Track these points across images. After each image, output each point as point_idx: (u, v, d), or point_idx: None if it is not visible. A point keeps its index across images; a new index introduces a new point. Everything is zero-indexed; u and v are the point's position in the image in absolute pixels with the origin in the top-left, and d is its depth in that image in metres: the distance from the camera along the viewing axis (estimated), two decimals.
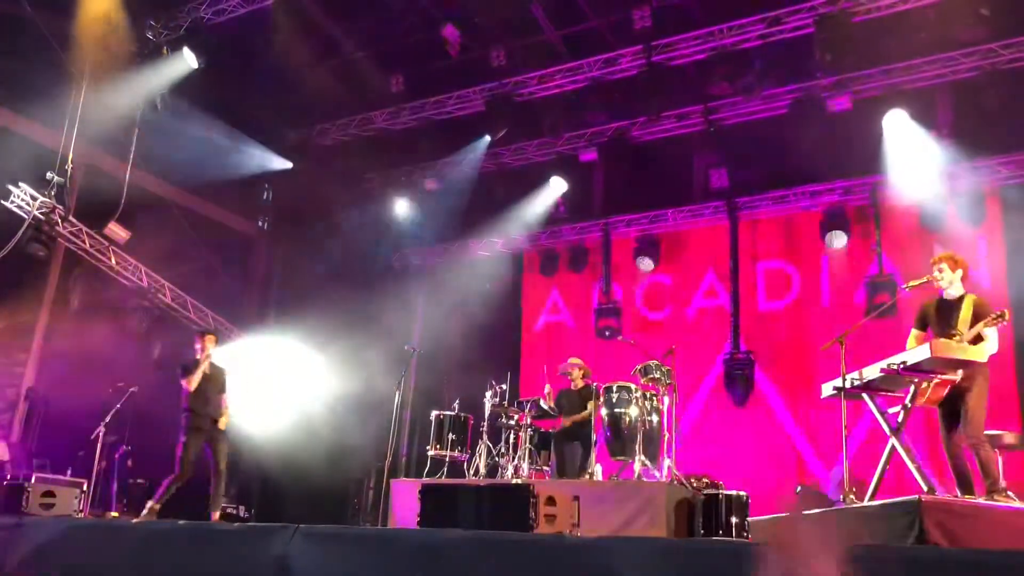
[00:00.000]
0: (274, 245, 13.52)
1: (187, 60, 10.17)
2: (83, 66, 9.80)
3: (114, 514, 8.97)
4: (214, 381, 8.03)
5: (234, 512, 10.37)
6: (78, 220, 10.33)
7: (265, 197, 13.36)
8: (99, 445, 8.61)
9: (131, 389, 9.00)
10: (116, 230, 10.49)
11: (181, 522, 5.96)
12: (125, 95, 10.17)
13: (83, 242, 10.44)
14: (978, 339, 5.50)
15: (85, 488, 8.39)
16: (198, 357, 7.98)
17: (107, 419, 8.65)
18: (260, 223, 13.54)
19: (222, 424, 8.00)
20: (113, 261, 10.72)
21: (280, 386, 11.56)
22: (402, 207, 12.76)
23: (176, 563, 5.20)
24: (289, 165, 12.50)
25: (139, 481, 9.75)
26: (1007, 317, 5.46)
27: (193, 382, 7.83)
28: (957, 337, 5.54)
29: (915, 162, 9.99)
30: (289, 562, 4.58)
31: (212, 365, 8.04)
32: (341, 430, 11.25)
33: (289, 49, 10.49)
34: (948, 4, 8.88)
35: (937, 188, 10.01)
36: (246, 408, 11.14)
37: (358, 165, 12.74)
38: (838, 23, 9.12)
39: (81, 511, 7.69)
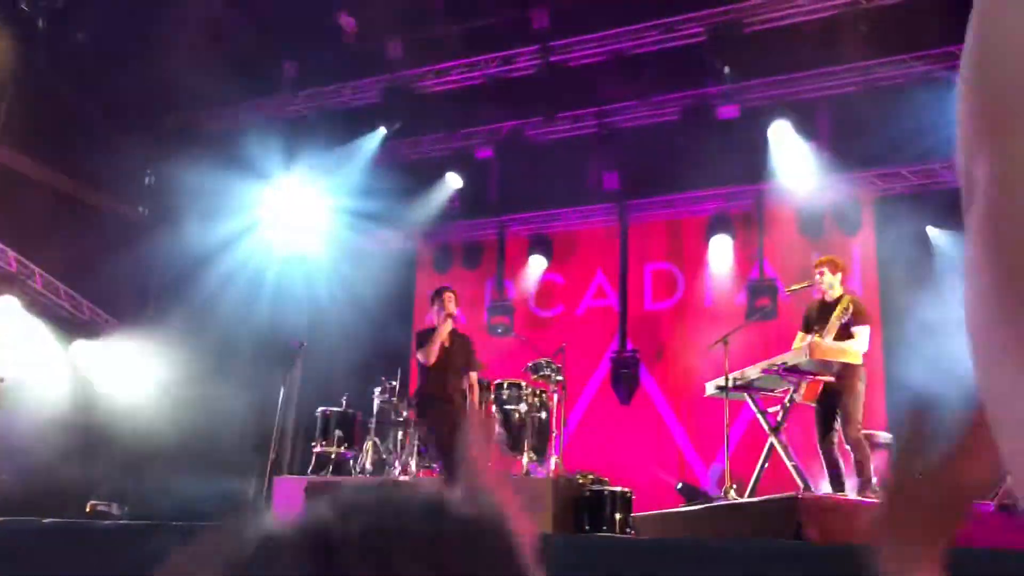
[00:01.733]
0: (156, 233, 12.94)
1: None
2: None
3: None
4: (456, 355, 6.53)
5: (106, 510, 9.89)
6: None
7: (147, 183, 12.79)
8: None
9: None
10: None
11: (46, 520, 5.63)
12: None
13: None
14: (848, 336, 5.77)
15: None
16: (436, 322, 6.55)
17: None
18: (141, 209, 12.96)
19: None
20: None
21: (158, 380, 11.10)
22: (290, 197, 12.41)
23: (43, 565, 4.90)
24: (174, 150, 12.00)
25: None
26: (850, 308, 5.80)
27: (431, 354, 6.31)
28: (817, 335, 5.83)
29: (797, 171, 10.40)
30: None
31: (454, 333, 6.58)
32: (222, 426, 10.88)
33: (177, 30, 10.09)
34: (832, 20, 9.30)
35: (816, 197, 10.45)
36: (121, 403, 10.70)
37: (247, 153, 12.35)
38: (730, 33, 9.42)
39: None
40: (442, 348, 6.34)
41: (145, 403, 10.77)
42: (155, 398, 10.94)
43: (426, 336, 6.45)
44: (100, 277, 11.73)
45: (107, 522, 7.06)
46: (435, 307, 6.57)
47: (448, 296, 6.65)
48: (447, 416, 6.25)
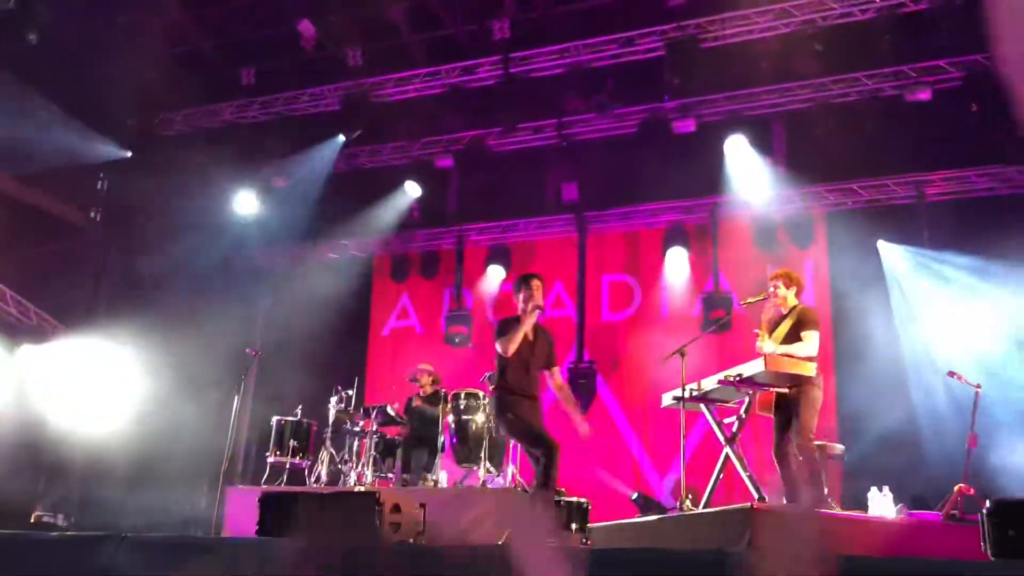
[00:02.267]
0: (107, 239, 12.71)
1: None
2: None
3: None
4: (540, 350, 5.91)
5: (52, 521, 9.67)
6: None
7: (99, 187, 12.56)
8: None
9: None
10: None
11: None
12: None
13: None
14: (796, 339, 5.87)
15: None
16: (522, 310, 5.85)
17: None
18: (93, 215, 12.71)
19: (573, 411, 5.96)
20: None
21: (109, 388, 10.88)
22: (248, 204, 12.24)
23: None
24: (128, 155, 11.81)
25: None
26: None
27: (511, 346, 5.68)
28: (759, 342, 5.96)
29: (752, 185, 10.56)
30: (115, 574, 4.29)
31: (537, 327, 5.96)
32: (174, 435, 10.69)
33: (134, 33, 9.94)
34: (788, 37, 9.49)
35: (770, 211, 10.62)
36: (70, 411, 10.47)
37: (203, 159, 12.20)
38: (687, 48, 9.55)
39: None
40: (525, 341, 5.74)
41: (93, 411, 10.55)
42: (104, 406, 10.72)
43: (509, 325, 5.79)
44: (49, 282, 11.48)
45: (53, 533, 6.90)
46: (520, 296, 5.88)
47: (536, 285, 5.91)
48: (531, 413, 5.71)
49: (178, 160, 11.91)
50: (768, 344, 6.00)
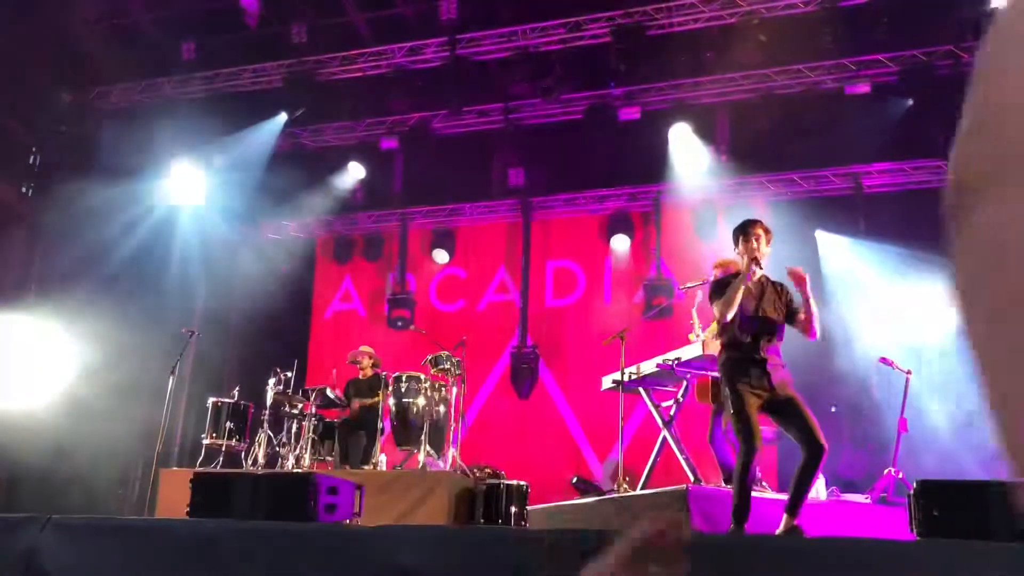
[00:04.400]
0: (39, 214, 12.31)
1: None
2: None
3: None
4: (769, 308, 4.85)
5: None
6: None
7: (31, 161, 12.16)
8: None
9: None
10: None
11: None
12: None
13: None
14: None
15: None
16: (743, 265, 4.90)
17: None
18: (24, 189, 12.31)
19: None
20: None
21: (37, 368, 10.57)
22: (187, 182, 11.95)
23: None
24: (62, 128, 11.44)
25: None
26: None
27: (730, 307, 4.73)
28: (694, 333, 6.01)
29: (694, 174, 10.66)
30: (39, 558, 4.16)
31: (766, 280, 4.95)
32: (105, 416, 10.43)
33: (70, 3, 9.61)
34: (733, 28, 9.58)
35: (712, 199, 10.74)
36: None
37: (141, 135, 11.88)
38: (633, 35, 9.58)
39: None
40: (751, 299, 4.82)
41: (23, 391, 10.25)
42: (34, 386, 10.42)
43: (725, 285, 4.89)
44: None
45: None
46: (739, 248, 4.95)
47: (757, 233, 4.94)
48: (761, 383, 4.63)
49: (115, 135, 11.60)
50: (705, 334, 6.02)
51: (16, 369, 10.26)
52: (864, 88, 9.69)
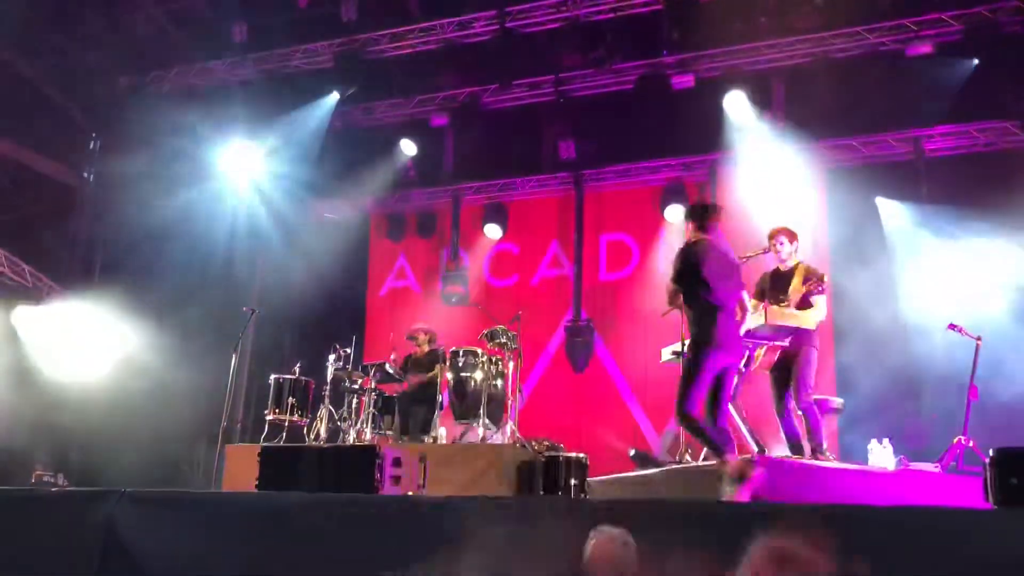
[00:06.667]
0: (101, 199, 12.58)
1: None
2: None
3: None
4: None
5: (52, 480, 9.70)
6: None
7: (92, 147, 12.42)
8: None
9: None
10: None
11: None
12: None
13: None
14: (807, 305, 5.82)
15: None
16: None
17: None
18: (86, 174, 12.58)
19: None
20: None
21: (105, 349, 10.85)
22: (243, 163, 12.08)
23: None
24: (121, 115, 11.65)
25: None
26: (812, 279, 5.84)
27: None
28: (785, 303, 5.86)
29: (751, 142, 10.45)
30: (116, 528, 4.28)
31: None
32: (171, 395, 10.68)
33: None
34: None
35: (769, 167, 10.53)
36: (66, 370, 10.45)
37: (196, 117, 12.04)
38: (686, 2, 9.39)
39: None
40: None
41: (91, 371, 10.53)
42: (102, 368, 10.70)
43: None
44: (43, 243, 11.40)
45: (54, 489, 6.91)
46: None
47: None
48: None
49: (171, 119, 11.77)
50: (774, 309, 5.89)
51: (85, 352, 10.54)
52: (926, 48, 9.38)
